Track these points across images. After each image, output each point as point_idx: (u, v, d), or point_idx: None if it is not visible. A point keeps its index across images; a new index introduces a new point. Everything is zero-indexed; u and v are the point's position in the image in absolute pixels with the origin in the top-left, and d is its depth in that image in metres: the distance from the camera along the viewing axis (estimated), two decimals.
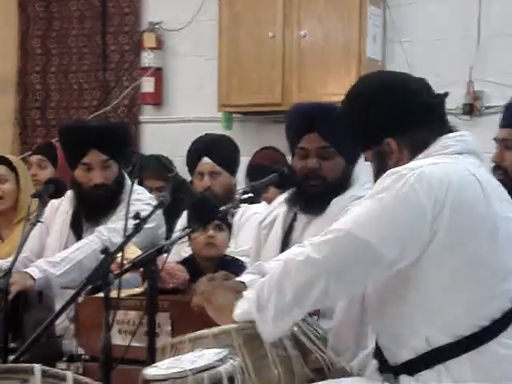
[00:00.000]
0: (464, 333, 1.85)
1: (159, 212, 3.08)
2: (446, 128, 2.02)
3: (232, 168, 3.53)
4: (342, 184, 2.63)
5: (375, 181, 2.03)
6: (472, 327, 1.85)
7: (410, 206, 1.84)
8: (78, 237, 3.24)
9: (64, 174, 3.65)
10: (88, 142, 3.20)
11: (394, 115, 1.99)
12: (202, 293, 2.24)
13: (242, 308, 2.02)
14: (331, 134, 2.62)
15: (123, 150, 3.29)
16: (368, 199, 1.91)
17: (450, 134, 1.99)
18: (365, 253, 1.85)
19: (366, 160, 2.11)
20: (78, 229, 3.26)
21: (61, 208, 3.30)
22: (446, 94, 2.07)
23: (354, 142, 2.17)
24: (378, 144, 2.02)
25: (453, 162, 1.92)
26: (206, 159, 3.47)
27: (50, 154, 4.19)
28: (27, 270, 2.97)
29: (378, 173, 2.03)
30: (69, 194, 3.31)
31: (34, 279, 2.94)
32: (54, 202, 3.26)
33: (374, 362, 2.02)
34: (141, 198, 3.17)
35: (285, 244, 2.67)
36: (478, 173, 1.92)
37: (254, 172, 4.42)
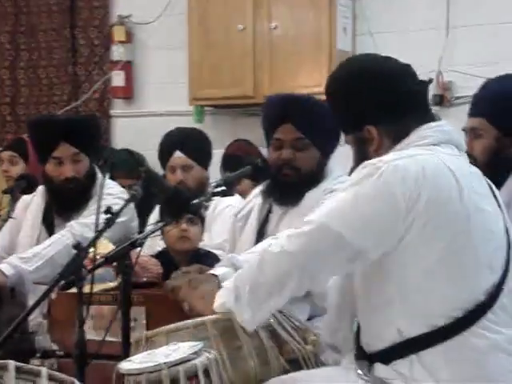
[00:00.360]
0: (438, 323, 1.86)
1: (131, 206, 3.08)
2: (427, 117, 2.01)
3: (204, 161, 3.52)
4: (315, 176, 2.64)
5: (355, 165, 2.03)
6: (446, 318, 1.86)
7: (384, 198, 1.85)
8: (50, 232, 3.21)
9: (35, 170, 3.62)
10: (58, 136, 3.18)
11: (377, 102, 1.98)
12: (175, 288, 2.23)
13: (221, 299, 2.02)
14: (306, 125, 2.62)
15: (93, 143, 3.27)
16: (343, 191, 1.91)
17: (429, 124, 1.98)
18: (338, 245, 1.86)
19: (346, 143, 2.09)
20: (49, 224, 3.24)
21: (32, 204, 3.28)
22: (429, 81, 2.06)
23: (336, 125, 2.16)
24: (358, 130, 2.01)
25: (428, 154, 1.91)
26: (178, 153, 3.46)
27: (20, 149, 4.15)
28: None
29: (358, 158, 2.03)
30: (40, 189, 3.29)
31: (6, 276, 2.92)
32: (25, 198, 3.24)
33: (352, 352, 2.03)
34: (112, 193, 3.16)
35: (260, 236, 2.68)
36: (453, 164, 1.92)
37: (230, 162, 4.43)
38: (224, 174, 4.26)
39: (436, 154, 1.93)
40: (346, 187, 1.91)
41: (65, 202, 3.21)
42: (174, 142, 3.52)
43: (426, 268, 1.86)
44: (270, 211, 2.72)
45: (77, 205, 3.19)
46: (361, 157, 2.01)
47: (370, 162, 1.91)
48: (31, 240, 3.21)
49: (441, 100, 4.83)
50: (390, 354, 1.90)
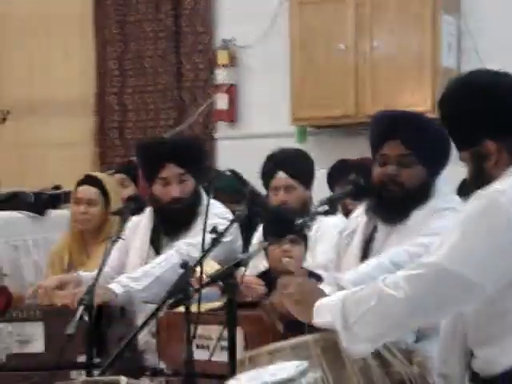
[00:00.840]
0: None
1: (235, 226, 3.11)
2: None
3: (307, 181, 3.52)
4: (421, 193, 2.59)
5: (470, 183, 1.99)
6: None
7: (505, 233, 1.80)
8: (158, 253, 3.28)
9: (144, 193, 3.71)
10: (164, 156, 3.25)
11: (498, 115, 1.93)
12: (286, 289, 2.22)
13: (324, 319, 1.98)
14: (414, 141, 2.59)
15: (198, 163, 3.32)
16: (460, 227, 1.86)
17: None
18: (461, 287, 1.82)
19: (461, 160, 2.04)
20: (157, 245, 3.31)
21: (141, 225, 3.36)
22: None
23: (452, 141, 2.09)
24: (476, 145, 1.96)
25: None
26: (280, 173, 3.47)
27: (130, 172, 4.26)
28: (110, 285, 3.03)
29: (474, 175, 1.99)
30: (148, 211, 3.37)
31: (116, 294, 3.00)
32: (134, 220, 3.32)
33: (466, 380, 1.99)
34: (218, 213, 3.20)
35: (365, 255, 2.65)
36: None
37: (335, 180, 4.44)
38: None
39: None
40: (462, 221, 1.86)
41: (171, 222, 3.27)
42: (276, 162, 3.53)
43: None
44: (375, 229, 2.69)
45: (183, 225, 3.25)
46: (477, 173, 1.97)
47: (482, 193, 1.86)
48: (140, 260, 3.29)
49: None
50: (505, 379, 1.85)
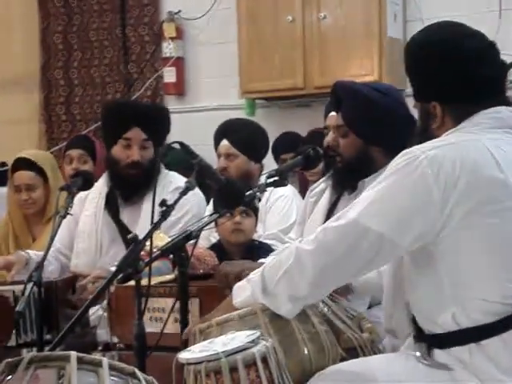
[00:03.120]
0: (496, 312, 1.83)
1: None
2: (498, 101, 1.94)
3: (251, 152, 3.54)
4: (360, 162, 2.62)
5: (416, 136, 2.01)
6: (505, 306, 1.83)
7: (420, 191, 1.82)
8: (114, 216, 3.25)
9: (100, 170, 3.67)
10: (131, 119, 3.23)
11: (449, 82, 1.93)
12: (228, 275, 2.25)
13: (243, 295, 2.02)
14: (347, 112, 2.63)
15: (161, 133, 3.30)
16: (379, 183, 1.89)
17: (486, 111, 1.92)
18: (374, 242, 1.84)
19: (414, 107, 2.06)
20: (113, 210, 3.27)
21: (90, 196, 3.32)
22: (510, 65, 2.00)
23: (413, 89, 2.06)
24: (426, 102, 1.98)
25: (472, 140, 1.88)
26: (224, 141, 3.53)
27: (89, 148, 4.18)
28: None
29: (420, 130, 2.01)
30: (103, 176, 3.34)
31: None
32: (80, 194, 3.29)
33: (410, 331, 2.01)
34: (174, 182, 3.20)
35: (328, 218, 2.67)
36: (501, 151, 1.87)
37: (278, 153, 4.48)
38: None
39: (483, 141, 1.88)
40: (383, 178, 1.89)
41: (128, 186, 3.24)
42: (221, 130, 3.59)
43: (472, 256, 1.83)
44: (342, 194, 2.72)
45: (139, 191, 3.22)
46: (422, 130, 1.99)
47: (406, 151, 1.88)
48: (95, 227, 3.25)
49: None
50: (447, 341, 1.88)
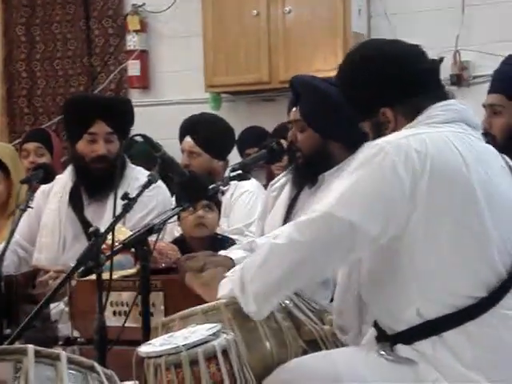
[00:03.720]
0: (459, 304, 1.85)
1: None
2: (440, 95, 2.00)
3: (214, 151, 3.54)
4: (318, 156, 2.63)
5: None
6: (467, 298, 1.85)
7: (389, 180, 1.84)
8: (78, 212, 3.22)
9: (58, 162, 3.63)
10: (95, 113, 3.20)
11: (388, 84, 1.98)
12: (191, 269, 2.24)
13: (225, 290, 2.02)
14: (303, 106, 2.63)
15: (126, 126, 3.26)
16: (348, 175, 1.90)
17: (438, 104, 1.97)
18: (346, 232, 1.84)
19: (363, 130, 2.09)
20: (77, 206, 3.24)
21: (54, 189, 3.28)
22: (440, 60, 2.05)
23: (353, 112, 2.14)
24: (373, 115, 2.02)
25: (433, 132, 1.91)
26: (187, 138, 3.53)
27: (45, 141, 4.14)
28: None
29: None
30: (68, 170, 3.30)
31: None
32: (44, 187, 3.25)
33: (372, 331, 2.02)
34: (140, 178, 3.16)
35: (288, 213, 2.68)
36: (460, 141, 1.90)
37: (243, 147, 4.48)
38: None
39: (442, 131, 1.91)
40: (351, 170, 1.90)
41: (94, 181, 3.20)
42: (185, 126, 3.59)
43: (437, 247, 1.85)
44: (301, 190, 2.72)
45: (106, 186, 3.18)
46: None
47: (372, 143, 1.91)
48: (58, 220, 3.21)
49: (458, 79, 4.80)
50: (411, 335, 1.89)
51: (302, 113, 2.64)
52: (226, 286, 2.03)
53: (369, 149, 1.90)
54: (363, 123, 2.07)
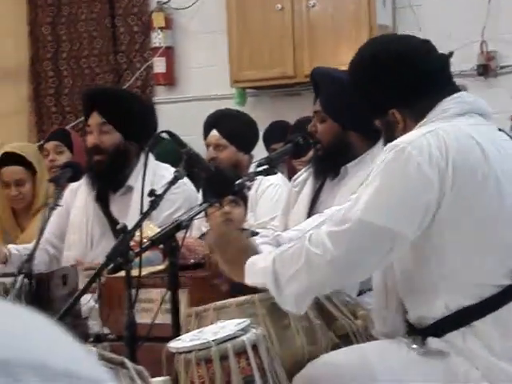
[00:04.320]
0: (485, 293, 1.85)
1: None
2: (451, 90, 1.99)
3: (240, 143, 3.55)
4: (337, 147, 2.61)
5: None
6: (493, 287, 1.85)
7: (417, 181, 1.83)
8: (104, 209, 3.22)
9: (80, 160, 3.65)
10: (90, 105, 3.21)
11: (396, 85, 1.98)
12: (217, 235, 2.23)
13: (257, 279, 1.99)
14: (323, 98, 2.64)
15: (123, 116, 3.19)
16: (373, 179, 1.89)
17: (448, 97, 1.96)
18: (384, 238, 1.84)
19: (377, 126, 2.10)
20: (103, 201, 3.23)
21: (82, 187, 3.30)
22: (450, 54, 2.04)
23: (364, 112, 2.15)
24: (383, 115, 2.02)
25: (449, 126, 1.90)
26: (213, 131, 3.55)
27: (65, 139, 4.19)
28: None
29: (387, 142, 2.02)
30: None
31: None
32: (73, 185, 3.27)
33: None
34: (166, 175, 3.16)
35: (312, 206, 2.67)
36: (477, 132, 1.90)
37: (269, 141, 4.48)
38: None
39: (457, 124, 1.91)
40: (375, 174, 1.89)
41: (96, 174, 3.19)
42: (211, 120, 3.60)
43: (462, 240, 1.85)
44: (323, 183, 2.72)
45: (113, 180, 3.16)
46: (389, 140, 2.00)
47: (391, 145, 1.90)
48: (86, 218, 3.23)
49: (485, 70, 4.75)
50: (441, 328, 1.89)
51: (322, 103, 2.64)
52: (256, 276, 1.99)
53: (390, 151, 1.89)
54: (376, 121, 2.08)
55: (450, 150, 1.85)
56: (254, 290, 2.05)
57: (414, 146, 1.86)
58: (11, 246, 3.17)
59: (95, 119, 3.18)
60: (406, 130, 1.98)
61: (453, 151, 1.85)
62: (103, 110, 3.18)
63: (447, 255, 1.86)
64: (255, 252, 2.04)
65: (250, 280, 2.00)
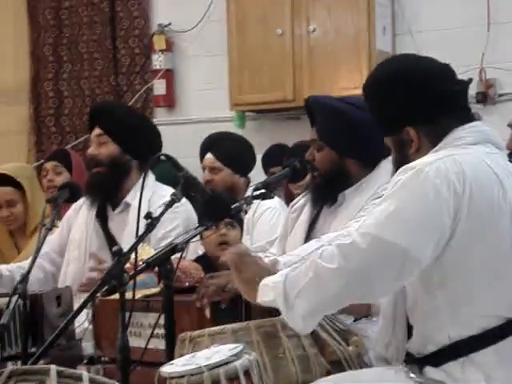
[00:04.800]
0: (489, 325, 1.84)
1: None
2: (467, 117, 1.98)
3: (235, 165, 3.58)
4: (335, 175, 2.62)
5: (394, 168, 2.01)
6: (497, 319, 1.84)
7: (433, 203, 1.82)
8: (103, 224, 3.23)
9: (79, 180, 3.66)
10: (92, 120, 3.27)
11: (414, 103, 1.96)
12: (214, 288, 2.23)
13: (268, 297, 1.96)
14: (319, 126, 2.64)
15: (120, 128, 3.22)
16: (387, 198, 1.87)
17: (464, 126, 1.95)
18: (397, 256, 1.81)
19: (386, 144, 2.07)
20: (102, 217, 3.25)
21: (84, 205, 3.31)
22: (469, 81, 2.02)
23: (377, 126, 2.10)
24: (397, 132, 1.99)
25: (467, 153, 1.89)
26: (208, 155, 3.58)
27: (64, 160, 4.20)
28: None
29: (397, 160, 2.01)
30: None
31: None
32: (76, 204, 3.30)
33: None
34: (166, 196, 3.15)
35: (309, 233, 2.67)
36: (493, 162, 1.90)
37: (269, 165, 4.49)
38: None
39: (474, 152, 1.90)
40: (390, 194, 1.87)
41: (94, 187, 3.21)
42: (206, 143, 3.64)
43: (473, 270, 1.84)
44: (320, 210, 2.72)
45: (109, 194, 3.18)
46: (400, 159, 1.99)
47: (408, 166, 1.88)
48: (86, 235, 3.23)
49: (484, 97, 4.77)
50: (440, 357, 1.88)
51: (318, 131, 2.65)
52: (268, 293, 1.97)
53: (406, 172, 1.87)
54: (386, 139, 2.05)
55: (468, 177, 1.83)
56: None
57: (431, 168, 1.84)
58: (3, 267, 3.16)
59: (95, 132, 3.24)
60: (419, 150, 1.96)
61: (470, 178, 1.83)
62: (101, 121, 3.23)
63: (455, 284, 1.84)
64: (271, 274, 2.03)
65: (261, 299, 1.98)
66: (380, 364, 2.09)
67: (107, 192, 3.20)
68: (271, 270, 2.09)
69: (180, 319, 2.30)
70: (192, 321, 2.21)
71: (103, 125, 3.21)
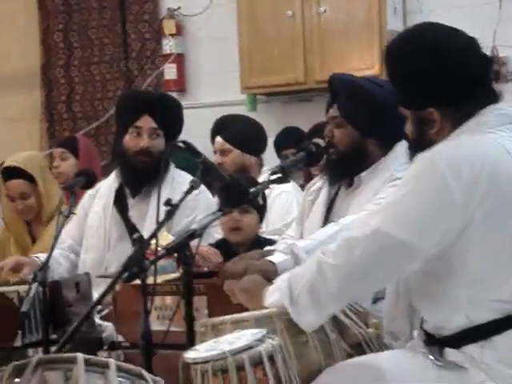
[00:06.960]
0: (507, 309, 1.84)
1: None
2: (490, 97, 1.94)
3: (243, 145, 3.61)
4: (355, 154, 2.59)
5: (411, 144, 2.00)
6: None
7: (439, 194, 1.81)
8: (123, 213, 3.24)
9: (85, 166, 3.69)
10: (142, 107, 3.24)
11: (442, 85, 1.91)
12: (232, 275, 2.25)
13: (273, 298, 2.01)
14: (341, 104, 2.60)
15: (173, 124, 3.27)
16: (399, 190, 1.87)
17: (489, 108, 1.91)
18: (401, 251, 1.83)
19: (402, 112, 2.01)
20: (122, 205, 3.26)
21: (100, 190, 3.32)
22: (492, 59, 1.99)
23: (398, 96, 2.02)
24: (419, 110, 1.95)
25: (486, 140, 1.87)
26: (217, 138, 3.61)
27: (71, 146, 4.25)
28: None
29: (416, 137, 1.99)
30: (114, 172, 3.34)
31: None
32: (91, 191, 3.31)
33: (418, 333, 2.02)
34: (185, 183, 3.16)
35: (327, 214, 2.66)
36: None
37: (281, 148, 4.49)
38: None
39: (495, 138, 1.87)
40: (402, 184, 1.88)
41: (137, 176, 3.22)
42: (215, 127, 3.67)
43: (492, 254, 1.83)
44: (338, 192, 2.71)
45: (148, 182, 3.19)
46: (419, 136, 1.97)
47: (424, 155, 1.86)
48: (103, 222, 3.25)
49: (496, 75, 4.74)
50: (459, 339, 1.88)
51: (342, 110, 2.60)
52: (274, 295, 2.01)
53: (419, 162, 1.87)
54: (407, 111, 1.99)
55: (484, 168, 1.81)
56: None
57: (443, 157, 1.83)
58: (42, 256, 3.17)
59: (147, 123, 3.23)
60: (440, 132, 1.93)
61: (487, 169, 1.81)
62: (157, 115, 3.23)
63: (473, 268, 1.84)
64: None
65: (268, 300, 2.02)
66: (388, 338, 2.11)
67: (149, 182, 3.17)
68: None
69: (219, 302, 2.31)
70: (228, 302, 2.23)
71: (159, 119, 3.22)
